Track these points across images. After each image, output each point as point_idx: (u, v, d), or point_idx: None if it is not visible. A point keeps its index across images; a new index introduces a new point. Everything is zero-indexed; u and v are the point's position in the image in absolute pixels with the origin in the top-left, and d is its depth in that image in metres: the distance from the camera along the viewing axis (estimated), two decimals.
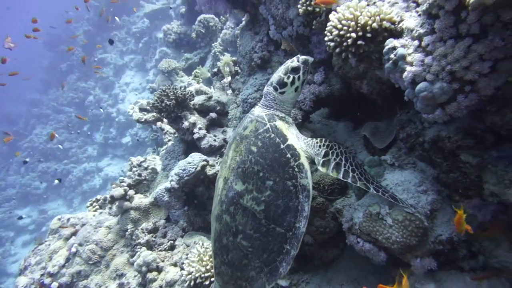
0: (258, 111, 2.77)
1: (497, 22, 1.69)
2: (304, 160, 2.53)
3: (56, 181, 11.41)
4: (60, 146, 17.51)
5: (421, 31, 2.05)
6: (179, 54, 12.26)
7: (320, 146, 2.62)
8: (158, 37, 20.01)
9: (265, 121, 2.64)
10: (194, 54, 11.18)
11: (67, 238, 4.71)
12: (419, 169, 2.76)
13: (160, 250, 4.10)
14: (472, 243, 2.54)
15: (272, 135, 2.56)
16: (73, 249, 4.45)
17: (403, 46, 2.13)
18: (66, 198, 18.99)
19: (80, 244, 4.48)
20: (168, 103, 4.46)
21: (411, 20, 2.18)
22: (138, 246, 4.16)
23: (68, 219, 4.95)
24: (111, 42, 7.60)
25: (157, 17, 21.16)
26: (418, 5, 2.24)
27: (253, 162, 2.52)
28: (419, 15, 2.15)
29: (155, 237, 4.26)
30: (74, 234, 4.73)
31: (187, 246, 4.04)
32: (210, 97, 5.15)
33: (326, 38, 2.51)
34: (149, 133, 16.38)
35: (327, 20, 2.80)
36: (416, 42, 2.07)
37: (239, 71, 6.03)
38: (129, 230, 4.34)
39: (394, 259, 2.71)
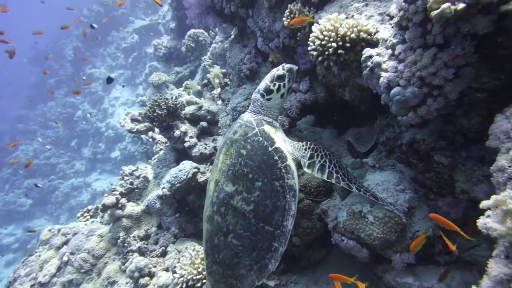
0: (247, 116, 2.92)
1: (457, 33, 1.91)
2: (290, 162, 2.68)
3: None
4: (48, 147, 17.07)
5: (394, 41, 2.26)
6: (169, 68, 12.45)
7: (305, 149, 2.78)
8: (148, 52, 20.23)
9: (253, 126, 2.79)
10: (184, 67, 11.38)
11: (59, 248, 4.71)
12: (398, 170, 2.94)
13: (152, 256, 4.15)
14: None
15: (261, 139, 2.71)
16: (65, 258, 4.45)
17: (378, 54, 2.34)
18: (53, 215, 18.55)
19: (72, 253, 4.48)
20: (160, 112, 4.60)
21: (385, 31, 2.40)
22: (130, 253, 4.20)
23: (59, 230, 4.95)
24: (109, 80, 7.64)
25: (147, 33, 21.44)
26: (391, 18, 2.47)
27: (243, 165, 2.66)
28: (392, 27, 2.37)
29: (147, 244, 4.31)
30: (65, 243, 4.73)
31: (179, 252, 4.10)
32: (200, 107, 5.31)
33: (309, 48, 2.71)
34: (138, 147, 16.40)
35: (311, 31, 3.03)
36: (389, 51, 2.29)
37: (229, 82, 6.23)
38: (121, 237, 4.38)
39: (376, 256, 2.86)
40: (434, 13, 1.81)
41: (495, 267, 1.53)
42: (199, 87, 9.23)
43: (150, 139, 6.59)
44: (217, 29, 10.44)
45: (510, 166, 1.70)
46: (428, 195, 2.74)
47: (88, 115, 19.72)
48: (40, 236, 5.12)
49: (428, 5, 1.85)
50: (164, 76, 10.53)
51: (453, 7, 1.75)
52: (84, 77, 17.70)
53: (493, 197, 1.55)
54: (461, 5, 1.73)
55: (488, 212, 1.59)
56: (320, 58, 2.67)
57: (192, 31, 10.90)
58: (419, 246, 2.43)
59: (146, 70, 18.90)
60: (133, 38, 22.04)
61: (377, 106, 3.05)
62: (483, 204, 1.58)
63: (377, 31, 2.48)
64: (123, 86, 13.31)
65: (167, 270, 3.96)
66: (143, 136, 9.02)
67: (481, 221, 1.60)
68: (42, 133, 22.78)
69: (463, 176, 2.44)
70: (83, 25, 24.54)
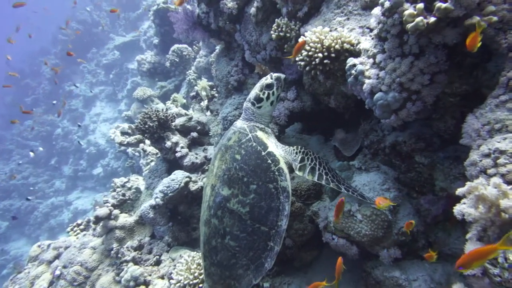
0: (240, 123, 3.07)
1: (430, 43, 2.16)
2: (283, 165, 2.83)
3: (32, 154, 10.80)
4: (32, 154, 16.40)
5: (375, 50, 2.49)
6: (153, 82, 12.53)
7: (296, 153, 2.95)
8: (130, 67, 20.24)
9: (247, 132, 2.94)
10: (168, 82, 11.49)
11: (50, 262, 4.63)
12: (382, 171, 3.15)
13: (147, 266, 4.16)
14: (429, 234, 2.92)
15: (254, 144, 2.86)
16: (57, 272, 4.38)
17: (361, 63, 2.56)
18: (31, 236, 17.73)
19: (64, 266, 4.42)
20: (151, 124, 4.69)
21: (366, 43, 2.64)
22: (125, 263, 4.19)
23: (49, 245, 4.87)
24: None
25: (128, 49, 21.44)
26: (371, 30, 2.72)
27: (238, 169, 2.80)
28: (372, 38, 2.61)
29: (141, 254, 4.32)
30: (57, 257, 4.65)
31: (173, 260, 4.13)
32: (190, 118, 5.43)
33: (297, 58, 2.92)
34: (122, 162, 16.17)
35: (296, 43, 3.25)
36: (371, 60, 2.52)
37: (216, 94, 6.39)
38: (114, 249, 4.37)
39: (365, 254, 3.03)
40: (409, 25, 2.05)
41: (469, 248, 1.72)
42: (185, 101, 9.36)
43: (139, 152, 6.62)
44: (200, 43, 10.65)
45: (481, 160, 1.91)
46: (411, 194, 2.94)
47: (78, 141, 19.31)
48: (29, 252, 5.01)
49: (404, 19, 2.09)
50: (149, 90, 10.61)
51: (425, 20, 2.00)
52: (54, 102, 17.53)
53: (467, 183, 1.75)
54: (432, 19, 1.97)
55: (464, 200, 1.79)
56: (307, 68, 2.88)
57: (176, 46, 11.07)
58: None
59: (128, 85, 18.87)
60: (114, 54, 22.01)
61: (361, 112, 3.28)
62: (459, 191, 1.78)
63: (359, 42, 2.72)
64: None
65: (162, 278, 3.98)
66: (129, 151, 9.01)
67: (457, 208, 1.80)
68: (19, 153, 22.04)
69: (441, 174, 2.67)
70: (62, 42, 24.30)
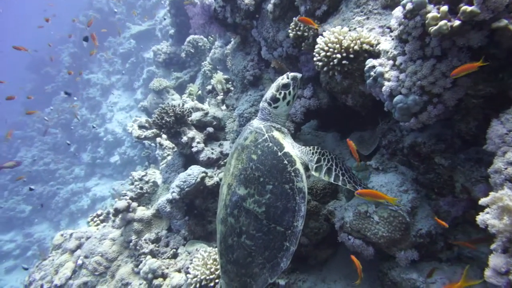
0: (257, 123, 3.08)
1: (453, 46, 2.09)
2: (299, 166, 2.84)
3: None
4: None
5: (395, 52, 2.43)
6: (168, 73, 12.61)
7: (313, 153, 2.94)
8: (145, 57, 20.40)
9: (263, 132, 2.95)
10: (184, 73, 11.54)
11: (73, 251, 4.85)
12: (400, 172, 3.11)
13: (164, 258, 4.30)
14: (448, 236, 2.89)
15: (270, 144, 2.87)
16: (79, 261, 4.60)
17: (381, 65, 2.51)
18: (53, 221, 18.53)
19: (86, 256, 4.63)
20: (168, 119, 4.76)
21: (386, 43, 2.58)
22: (143, 256, 4.35)
23: (71, 234, 5.09)
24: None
25: (144, 38, 21.58)
26: (391, 30, 2.65)
27: (254, 169, 2.82)
28: (392, 39, 2.55)
29: (158, 247, 4.46)
30: (79, 247, 4.87)
31: (189, 253, 4.25)
32: (206, 113, 5.47)
33: (315, 59, 2.88)
34: (138, 151, 16.50)
35: (315, 42, 3.20)
36: (391, 62, 2.46)
37: (231, 88, 6.39)
38: (132, 241, 4.53)
39: (381, 254, 3.03)
40: (432, 29, 1.99)
41: (494, 261, 1.69)
42: (199, 92, 9.41)
43: (157, 145, 6.73)
44: (217, 35, 10.62)
45: (506, 168, 1.86)
46: (430, 195, 2.90)
47: (92, 126, 19.79)
48: (53, 240, 5.25)
49: (426, 22, 2.03)
50: (165, 81, 10.69)
51: (449, 24, 1.93)
52: (76, 98, 17.87)
53: (491, 194, 1.71)
54: (456, 22, 1.91)
55: (487, 209, 1.75)
56: (325, 68, 2.84)
57: (191, 37, 11.07)
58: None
59: (143, 75, 19.05)
60: (130, 43, 22.18)
61: (378, 111, 3.23)
62: (482, 201, 1.75)
63: (379, 43, 2.66)
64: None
65: (179, 271, 4.10)
66: (145, 141, 9.17)
67: (480, 218, 1.77)
68: (40, 139, 22.75)
69: (462, 177, 2.61)
70: (79, 30, 24.69)
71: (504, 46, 1.98)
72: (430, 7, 2.06)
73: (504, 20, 1.84)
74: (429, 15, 1.99)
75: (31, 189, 12.38)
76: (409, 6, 2.14)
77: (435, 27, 1.96)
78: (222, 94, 6.34)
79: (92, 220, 5.55)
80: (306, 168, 2.95)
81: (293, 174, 2.79)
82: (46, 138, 22.62)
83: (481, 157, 2.56)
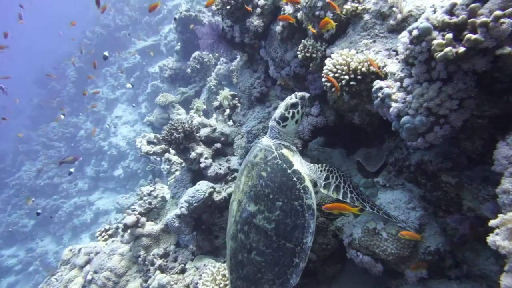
0: (266, 141, 3.16)
1: (459, 70, 2.18)
2: (308, 183, 2.90)
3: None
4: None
5: (402, 74, 2.53)
6: (173, 87, 12.82)
7: (321, 171, 3.01)
8: (150, 71, 20.71)
9: (272, 150, 3.03)
10: (189, 87, 11.73)
11: (82, 267, 4.87)
12: (407, 189, 3.16)
13: (172, 274, 4.32)
14: (456, 253, 2.92)
15: (280, 162, 2.94)
16: (89, 277, 4.62)
17: (388, 86, 2.60)
18: (55, 235, 18.36)
19: (95, 272, 4.65)
20: (177, 136, 4.86)
21: (393, 66, 2.68)
22: (151, 271, 4.37)
23: (80, 249, 5.12)
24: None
25: (149, 53, 21.92)
26: (397, 53, 2.76)
27: (264, 186, 2.88)
28: (399, 62, 2.65)
29: (166, 262, 4.49)
30: (88, 262, 4.90)
31: (197, 269, 4.27)
32: (214, 129, 5.58)
33: (323, 79, 2.98)
34: (142, 165, 16.56)
35: (322, 63, 3.31)
36: (398, 84, 2.55)
37: (237, 104, 6.52)
38: (141, 256, 4.56)
39: (389, 270, 3.05)
40: (438, 54, 2.09)
41: (506, 281, 1.73)
42: (205, 106, 9.56)
43: (162, 159, 6.82)
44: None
45: None
46: (437, 213, 2.95)
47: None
48: (62, 256, 5.28)
49: (432, 48, 2.13)
50: (171, 96, 10.87)
51: (454, 50, 2.03)
52: (80, 114, 18.20)
53: (500, 216, 1.77)
54: (461, 49, 2.00)
55: (497, 231, 1.80)
56: (333, 88, 2.93)
57: (197, 53, 11.31)
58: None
59: (148, 89, 19.31)
60: (135, 58, 22.54)
61: (385, 128, 3.31)
62: (491, 223, 1.80)
63: (385, 65, 2.76)
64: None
65: (187, 286, 4.12)
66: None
67: (490, 239, 1.81)
68: (45, 153, 22.88)
69: (469, 194, 2.67)
70: (86, 46, 25.14)
71: (508, 72, 2.07)
72: (435, 33, 2.16)
73: (508, 47, 1.93)
74: (435, 42, 2.09)
75: (38, 214, 12.48)
76: (415, 32, 2.24)
77: (441, 53, 2.06)
78: (228, 109, 6.47)
79: (100, 235, 5.59)
80: (314, 185, 3.02)
81: (302, 191, 2.85)
82: (50, 152, 22.72)
83: (488, 176, 2.61)
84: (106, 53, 8.52)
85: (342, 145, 4.37)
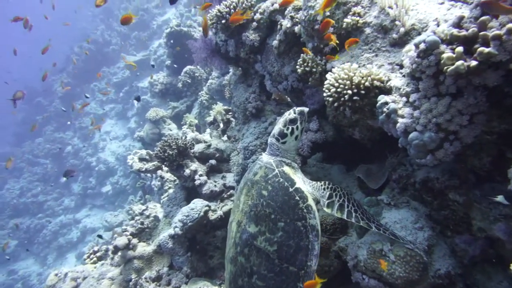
0: (266, 158, 3.03)
1: (469, 85, 2.11)
2: (311, 202, 2.77)
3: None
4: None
5: (408, 89, 2.45)
6: (164, 102, 12.66)
7: (324, 189, 2.88)
8: (139, 86, 20.53)
9: (273, 167, 2.90)
10: (180, 102, 11.60)
11: None
12: (413, 208, 3.04)
13: None
14: (467, 276, 2.79)
15: (281, 180, 2.81)
16: None
17: (394, 101, 2.51)
18: (39, 255, 17.61)
19: None
20: (170, 152, 4.69)
21: (397, 80, 2.60)
22: None
23: (66, 274, 4.81)
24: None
25: (138, 68, 21.75)
26: (401, 67, 2.69)
27: (265, 205, 2.74)
28: (403, 76, 2.57)
29: (159, 286, 4.24)
30: None
31: None
32: (209, 145, 5.43)
33: (325, 94, 2.89)
34: (131, 181, 16.16)
35: (321, 77, 3.23)
36: (404, 98, 2.47)
37: (231, 119, 6.40)
38: (132, 280, 4.30)
39: None
40: (448, 68, 2.01)
41: None
42: (196, 121, 9.42)
43: (153, 175, 6.60)
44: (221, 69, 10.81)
45: None
46: (445, 232, 2.83)
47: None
48: (46, 281, 4.95)
49: (442, 62, 2.05)
50: (162, 111, 10.71)
51: (466, 64, 1.95)
52: (68, 123, 17.49)
53: None
54: (473, 63, 1.93)
55: None
56: (335, 104, 2.84)
57: (188, 67, 11.25)
58: None
59: (137, 104, 19.06)
60: (124, 73, 22.36)
61: (386, 144, 3.22)
62: None
63: (389, 79, 2.68)
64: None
65: None
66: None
67: None
68: (30, 170, 22.17)
69: (479, 214, 2.56)
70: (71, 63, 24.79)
71: None
72: (443, 47, 2.09)
73: None
74: (445, 55, 2.01)
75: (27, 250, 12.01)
76: (422, 46, 2.17)
77: (452, 67, 1.98)
78: (222, 124, 6.34)
79: (88, 257, 5.29)
80: (318, 204, 2.88)
81: (305, 210, 2.72)
82: (36, 169, 22.00)
83: (498, 195, 2.53)
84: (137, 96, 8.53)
85: (341, 161, 4.27)
